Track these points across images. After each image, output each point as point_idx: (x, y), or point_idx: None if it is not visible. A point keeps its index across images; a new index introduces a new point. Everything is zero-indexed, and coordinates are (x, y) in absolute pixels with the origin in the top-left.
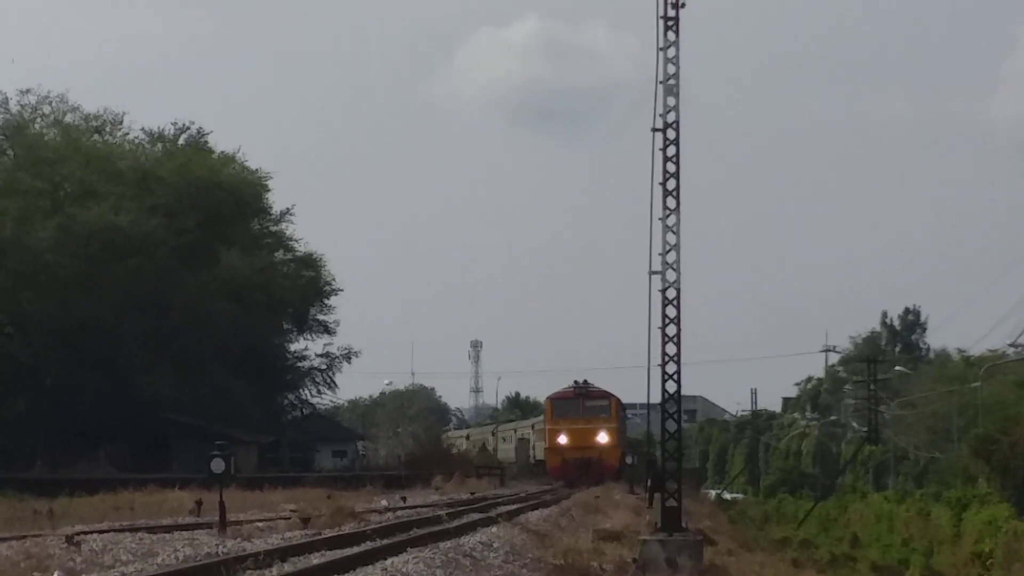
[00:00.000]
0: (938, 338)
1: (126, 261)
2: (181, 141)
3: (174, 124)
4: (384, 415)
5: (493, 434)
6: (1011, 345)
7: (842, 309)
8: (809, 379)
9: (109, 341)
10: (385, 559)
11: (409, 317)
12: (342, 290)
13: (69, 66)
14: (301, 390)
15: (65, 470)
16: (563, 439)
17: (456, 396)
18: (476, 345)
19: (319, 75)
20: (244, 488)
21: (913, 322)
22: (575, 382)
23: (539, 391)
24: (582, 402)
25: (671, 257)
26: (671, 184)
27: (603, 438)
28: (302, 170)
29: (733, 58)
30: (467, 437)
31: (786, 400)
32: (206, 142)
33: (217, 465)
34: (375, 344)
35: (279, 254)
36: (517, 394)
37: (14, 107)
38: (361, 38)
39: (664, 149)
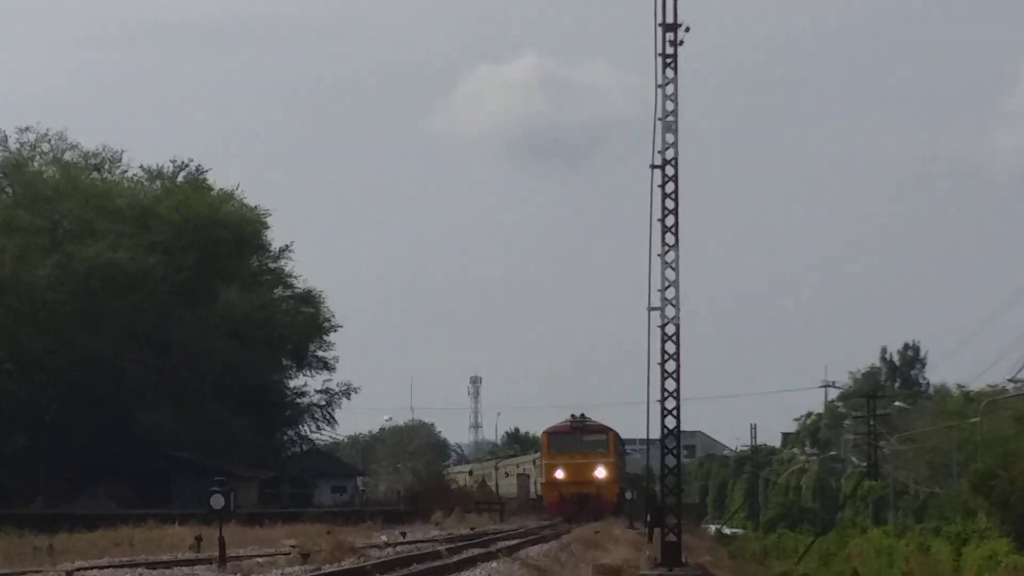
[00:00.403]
0: (937, 373)
1: (125, 298)
2: (180, 178)
3: (173, 161)
4: (384, 451)
5: (496, 469)
6: (1011, 380)
7: (841, 344)
8: (808, 414)
9: (109, 377)
10: None
11: (408, 353)
12: (341, 326)
13: (65, 103)
14: (301, 426)
15: (65, 506)
16: (560, 474)
17: (456, 432)
18: (475, 381)
19: (318, 110)
20: (244, 524)
21: (912, 357)
22: (572, 416)
23: (538, 426)
24: (579, 436)
25: (670, 293)
26: (670, 220)
27: (601, 472)
28: (301, 206)
29: (731, 94)
30: (470, 473)
31: (785, 435)
32: (205, 179)
33: (217, 501)
34: (374, 380)
35: (278, 291)
36: (516, 429)
37: (13, 145)
38: (361, 74)
39: (663, 185)
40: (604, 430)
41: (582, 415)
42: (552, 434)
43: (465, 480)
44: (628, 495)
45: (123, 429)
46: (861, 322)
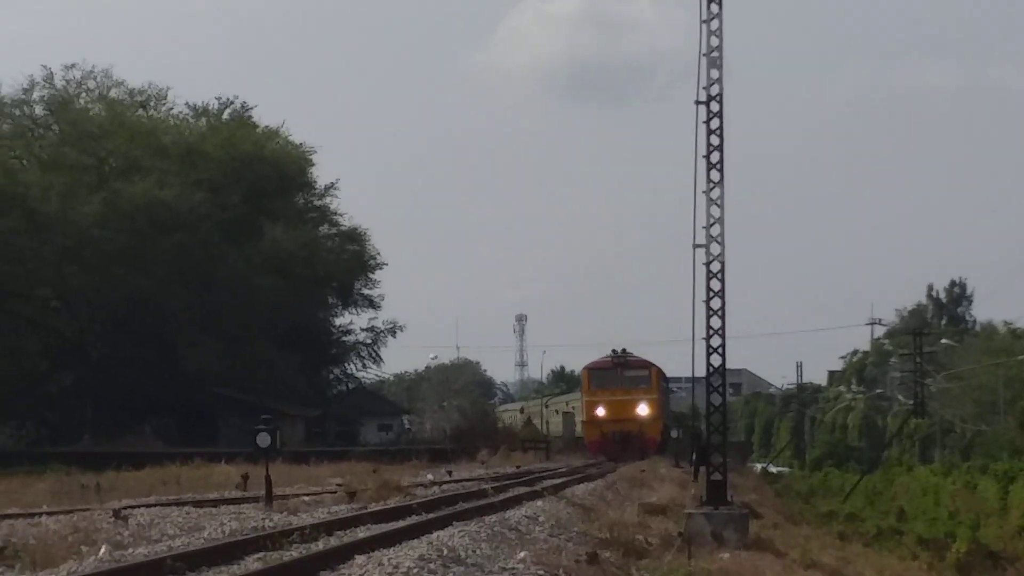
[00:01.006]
0: (984, 310)
1: (171, 236)
2: (225, 116)
3: (218, 99)
4: (429, 389)
5: (546, 407)
6: None
7: (888, 282)
8: (855, 352)
9: (154, 315)
10: (431, 533)
11: (454, 291)
12: (387, 264)
13: (112, 40)
14: (346, 364)
15: (112, 444)
16: (601, 411)
17: (501, 370)
18: (521, 319)
19: (362, 48)
20: (290, 462)
21: (959, 295)
22: (613, 351)
23: (584, 365)
24: (621, 372)
25: (715, 230)
26: (715, 157)
27: (643, 410)
28: (346, 143)
29: (778, 29)
30: (521, 410)
31: (831, 373)
32: (250, 116)
33: (263, 439)
34: (420, 318)
35: (323, 228)
36: (562, 368)
37: (59, 82)
38: (404, 10)
39: (708, 122)
40: (647, 365)
41: (623, 350)
42: (592, 370)
43: (515, 418)
44: (674, 433)
45: (169, 367)
46: (907, 259)
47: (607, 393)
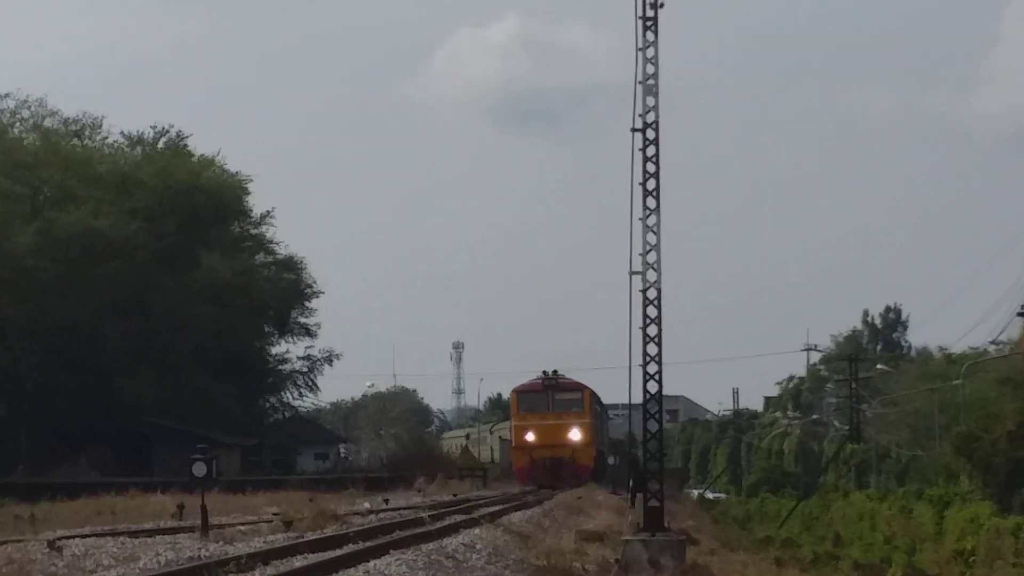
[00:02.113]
0: (919, 336)
1: (106, 265)
2: (160, 144)
3: (153, 127)
4: (366, 417)
5: (491, 432)
6: (992, 342)
7: (823, 308)
8: (791, 378)
9: (90, 344)
10: (368, 561)
11: (390, 319)
12: (323, 292)
13: (46, 69)
14: (283, 393)
15: (46, 474)
16: (531, 436)
17: (438, 398)
18: (458, 346)
19: (298, 77)
20: (226, 491)
21: (894, 320)
22: (544, 372)
23: (514, 387)
24: (551, 395)
25: (651, 257)
26: (651, 184)
27: (576, 435)
28: (282, 172)
29: (712, 56)
30: (467, 437)
31: (768, 399)
32: (185, 145)
33: (199, 468)
34: (357, 346)
35: (260, 257)
36: (499, 395)
37: None
38: (340, 39)
39: (644, 149)
40: (579, 388)
41: (555, 372)
42: (522, 392)
43: (460, 445)
44: (611, 460)
45: (104, 397)
46: (843, 285)
47: (537, 417)
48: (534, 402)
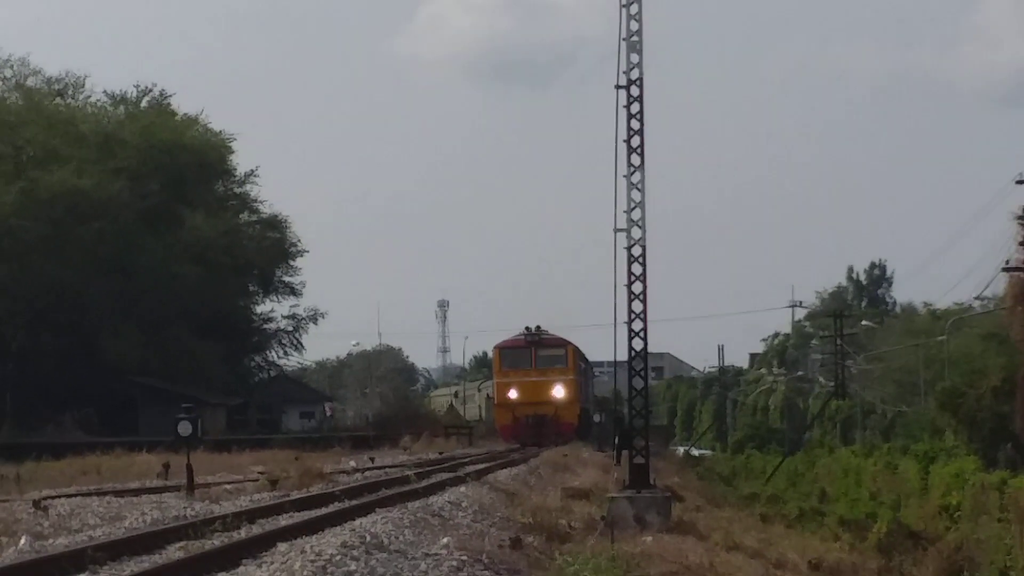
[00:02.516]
0: (904, 292)
1: (90, 225)
2: (144, 104)
3: (136, 87)
4: (351, 376)
5: (478, 390)
6: (977, 298)
7: (808, 264)
8: (776, 335)
9: (74, 305)
10: (354, 520)
11: (375, 277)
12: (308, 251)
13: (29, 28)
14: (268, 352)
15: (32, 434)
16: (513, 394)
17: (424, 356)
18: (443, 305)
19: (280, 34)
20: (212, 451)
21: (879, 276)
22: (527, 328)
23: (496, 343)
24: (534, 351)
25: (636, 214)
26: (635, 141)
27: (559, 392)
28: (266, 131)
29: (697, 13)
30: (455, 395)
31: (753, 356)
32: (169, 104)
33: (184, 428)
34: (341, 305)
35: (244, 216)
36: (485, 353)
37: None
38: None
39: (628, 106)
40: (562, 344)
41: (537, 327)
42: (504, 349)
43: (449, 403)
44: (597, 418)
45: (89, 357)
46: (827, 241)
47: (520, 374)
48: (517, 358)
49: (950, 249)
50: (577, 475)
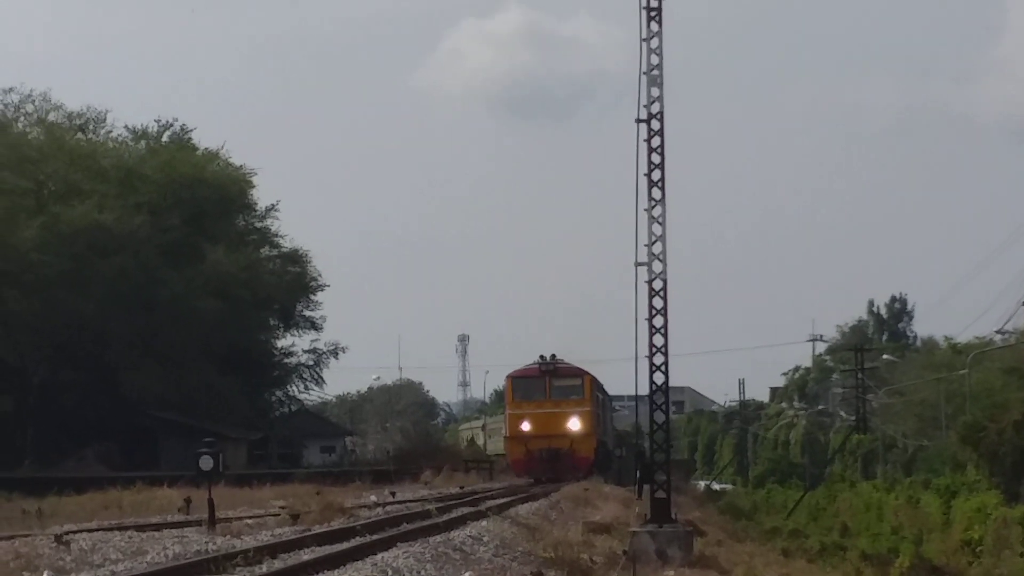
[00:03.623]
0: (925, 326)
1: (111, 259)
2: (165, 138)
3: (157, 121)
4: (372, 410)
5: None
6: (998, 332)
7: (829, 298)
8: (796, 368)
9: (95, 339)
10: (375, 554)
11: (396, 312)
12: (328, 286)
13: (51, 63)
14: (288, 386)
15: (53, 469)
16: (526, 426)
17: (444, 390)
18: (463, 339)
19: (302, 69)
20: (233, 485)
21: (900, 310)
22: (541, 357)
23: (508, 373)
24: (549, 381)
25: (657, 248)
26: (656, 175)
27: (575, 424)
28: (287, 165)
29: (717, 48)
30: (483, 427)
31: (774, 390)
32: (190, 139)
33: (205, 462)
34: (362, 339)
35: (264, 250)
36: None
37: None
38: (345, 30)
39: (648, 140)
40: (579, 374)
41: (552, 356)
42: (517, 378)
43: (471, 437)
44: (618, 452)
45: (110, 391)
46: (848, 275)
47: (533, 405)
48: (530, 389)
49: (971, 283)
50: (598, 509)
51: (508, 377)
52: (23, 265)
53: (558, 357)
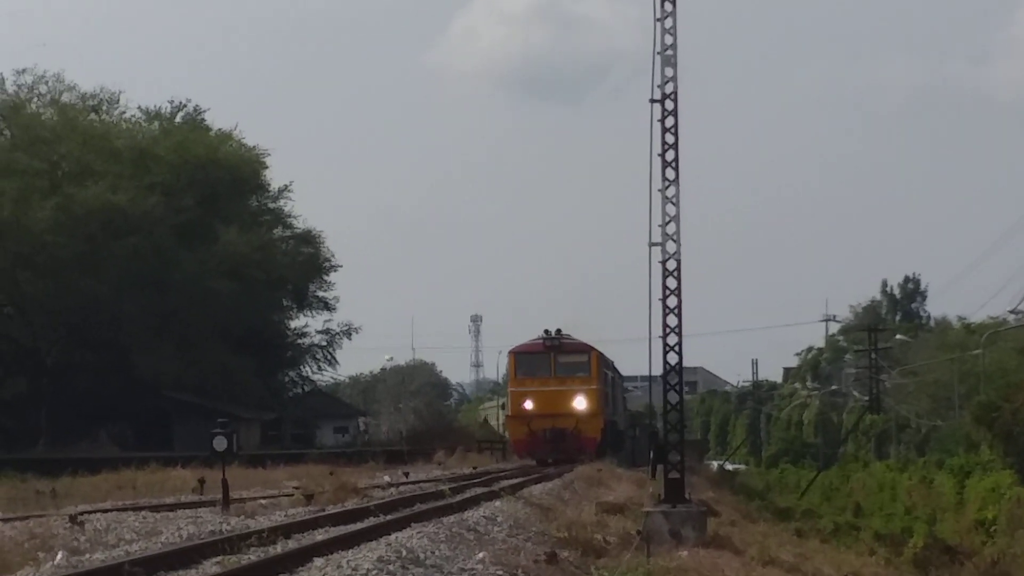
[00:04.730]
0: (938, 306)
1: (124, 240)
2: (178, 119)
3: (171, 102)
4: (385, 391)
5: None
6: (1011, 312)
7: (842, 278)
8: (810, 349)
9: (109, 320)
10: (389, 534)
11: (409, 292)
12: (341, 266)
13: (64, 44)
14: (302, 367)
15: (67, 450)
16: (529, 404)
17: (457, 371)
18: (476, 319)
19: (315, 49)
20: (246, 466)
21: (913, 290)
22: (545, 331)
23: (511, 348)
24: (554, 357)
25: (671, 228)
26: (670, 155)
27: (581, 403)
28: (299, 145)
29: (732, 26)
30: (502, 406)
31: (787, 370)
32: (203, 119)
33: (219, 443)
34: (375, 320)
35: (278, 231)
36: None
37: (10, 87)
38: (357, 10)
39: (663, 120)
40: (585, 349)
41: (558, 331)
42: (520, 354)
43: (484, 418)
44: (631, 433)
45: (124, 372)
46: (862, 255)
47: (537, 382)
48: (534, 365)
49: (984, 263)
50: (611, 490)
51: (511, 352)
52: (37, 247)
53: (563, 332)
